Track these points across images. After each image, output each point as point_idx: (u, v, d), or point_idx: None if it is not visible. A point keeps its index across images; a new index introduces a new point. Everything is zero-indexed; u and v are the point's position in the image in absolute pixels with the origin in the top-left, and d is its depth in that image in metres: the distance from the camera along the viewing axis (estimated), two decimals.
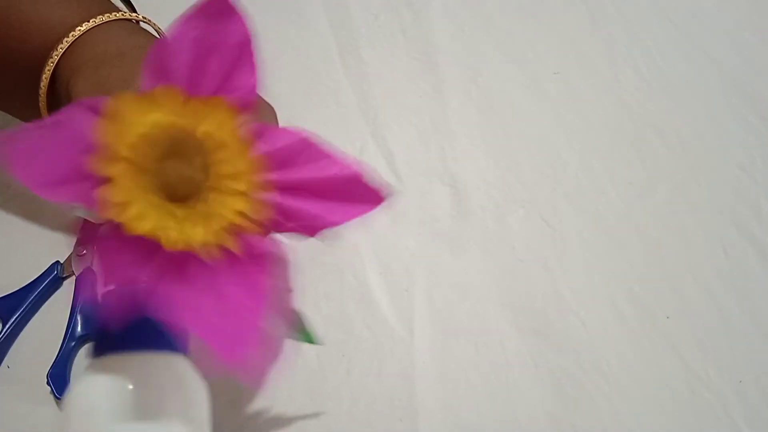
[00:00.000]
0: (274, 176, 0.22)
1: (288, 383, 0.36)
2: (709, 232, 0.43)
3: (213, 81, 0.21)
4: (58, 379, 0.35)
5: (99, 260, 0.19)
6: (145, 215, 0.18)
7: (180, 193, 0.20)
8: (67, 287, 0.39)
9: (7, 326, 0.37)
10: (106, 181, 0.18)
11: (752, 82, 0.49)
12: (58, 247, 0.40)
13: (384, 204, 0.23)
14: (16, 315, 0.37)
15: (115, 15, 0.34)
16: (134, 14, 0.36)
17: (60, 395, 0.35)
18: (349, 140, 0.46)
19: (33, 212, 0.41)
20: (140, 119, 0.19)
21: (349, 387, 0.36)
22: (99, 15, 0.33)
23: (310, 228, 0.23)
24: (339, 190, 0.23)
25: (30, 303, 0.37)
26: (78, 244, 0.37)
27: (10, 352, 0.37)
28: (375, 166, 0.44)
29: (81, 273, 0.38)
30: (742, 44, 0.51)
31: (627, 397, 0.37)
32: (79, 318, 0.37)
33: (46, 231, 0.41)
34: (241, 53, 0.21)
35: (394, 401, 0.36)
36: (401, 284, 0.40)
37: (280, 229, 0.22)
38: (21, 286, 0.38)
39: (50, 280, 0.38)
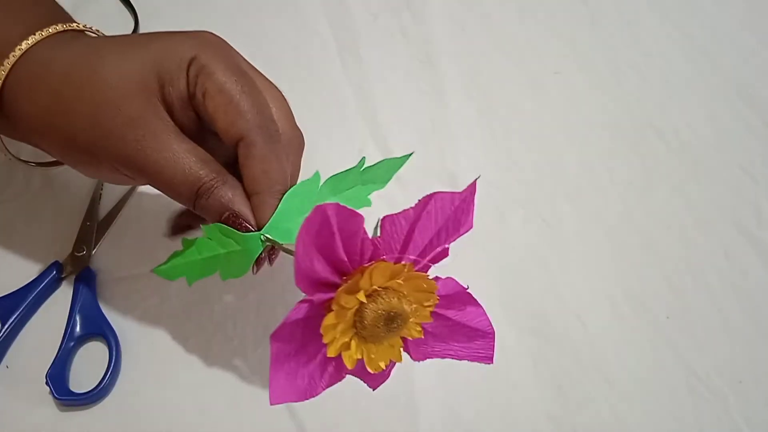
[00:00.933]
0: (414, 251, 0.28)
1: None
2: (709, 232, 0.43)
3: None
4: (57, 379, 0.35)
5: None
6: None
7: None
8: (67, 287, 0.39)
9: (7, 326, 0.36)
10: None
11: (752, 82, 0.49)
12: (58, 247, 0.40)
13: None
14: (16, 315, 0.37)
15: (56, 27, 0.32)
16: (78, 24, 0.34)
17: (59, 395, 0.35)
18: (349, 140, 0.45)
19: (33, 212, 0.41)
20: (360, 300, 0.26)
21: (349, 387, 0.36)
22: (40, 29, 0.31)
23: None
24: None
25: (29, 303, 0.37)
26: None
27: (9, 352, 0.37)
28: None
29: (80, 273, 0.38)
30: (742, 44, 0.51)
31: (627, 397, 0.37)
32: (78, 318, 0.37)
33: (46, 231, 0.41)
34: (340, 219, 0.25)
35: (394, 401, 0.36)
36: None
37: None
38: (21, 286, 0.38)
39: (50, 280, 0.38)
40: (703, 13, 0.53)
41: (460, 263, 0.41)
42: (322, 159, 0.45)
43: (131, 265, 0.39)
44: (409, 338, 0.28)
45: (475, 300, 0.30)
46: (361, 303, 0.26)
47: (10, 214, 0.41)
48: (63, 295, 0.38)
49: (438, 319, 0.29)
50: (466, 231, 0.29)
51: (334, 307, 0.25)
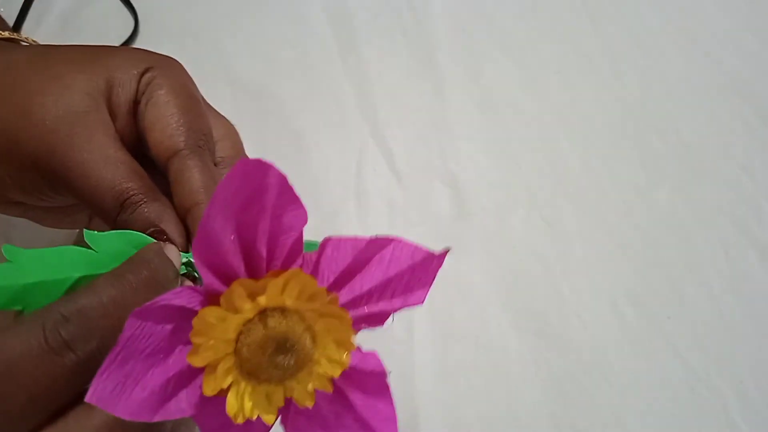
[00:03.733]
0: (347, 295, 0.22)
1: None
2: (709, 232, 0.43)
3: (264, 238, 0.20)
4: None
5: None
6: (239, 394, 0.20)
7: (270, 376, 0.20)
8: None
9: None
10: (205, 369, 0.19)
11: (752, 82, 0.49)
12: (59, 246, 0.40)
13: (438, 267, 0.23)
14: None
15: None
16: (7, 32, 0.32)
17: None
18: (349, 140, 0.45)
19: None
20: (233, 330, 0.19)
21: None
22: None
23: (379, 320, 0.23)
24: (404, 282, 0.23)
25: None
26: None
27: None
28: (375, 166, 0.45)
29: None
30: (742, 44, 0.51)
31: (627, 397, 0.37)
32: None
33: (47, 231, 0.41)
34: (279, 198, 0.19)
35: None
36: None
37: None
38: None
39: None
40: (704, 13, 0.53)
41: (461, 263, 0.41)
42: (322, 159, 0.45)
43: None
44: (296, 403, 0.21)
45: (391, 395, 0.24)
46: (258, 313, 0.20)
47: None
48: None
49: (336, 398, 0.22)
50: (415, 303, 0.22)
51: (222, 302, 0.19)
